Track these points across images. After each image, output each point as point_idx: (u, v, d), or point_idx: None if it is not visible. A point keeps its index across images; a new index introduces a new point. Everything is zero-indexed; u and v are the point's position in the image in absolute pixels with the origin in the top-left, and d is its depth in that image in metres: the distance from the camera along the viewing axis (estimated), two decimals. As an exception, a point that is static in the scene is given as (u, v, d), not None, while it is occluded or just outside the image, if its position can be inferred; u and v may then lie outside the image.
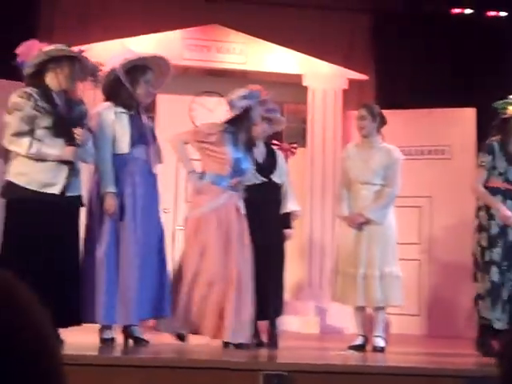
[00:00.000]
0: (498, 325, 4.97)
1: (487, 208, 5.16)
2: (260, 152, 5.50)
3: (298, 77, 8.21)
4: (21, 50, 4.50)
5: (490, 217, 5.13)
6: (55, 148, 4.36)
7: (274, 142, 5.89)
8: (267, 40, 8.15)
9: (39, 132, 4.36)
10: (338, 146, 8.11)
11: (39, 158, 4.34)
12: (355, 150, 5.50)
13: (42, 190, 4.34)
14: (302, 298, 7.65)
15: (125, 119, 4.76)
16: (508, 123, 5.20)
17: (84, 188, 4.74)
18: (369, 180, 5.37)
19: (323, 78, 8.22)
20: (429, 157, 7.94)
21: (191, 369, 3.68)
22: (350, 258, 5.29)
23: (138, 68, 4.84)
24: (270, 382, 3.60)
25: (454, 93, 7.71)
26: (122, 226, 4.65)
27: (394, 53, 8.26)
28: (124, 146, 4.73)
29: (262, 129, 5.45)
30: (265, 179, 5.44)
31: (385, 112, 5.60)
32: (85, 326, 4.61)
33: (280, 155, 5.72)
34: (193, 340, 4.87)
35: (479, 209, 5.23)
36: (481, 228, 5.16)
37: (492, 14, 8.23)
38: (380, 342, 5.23)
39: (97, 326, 4.71)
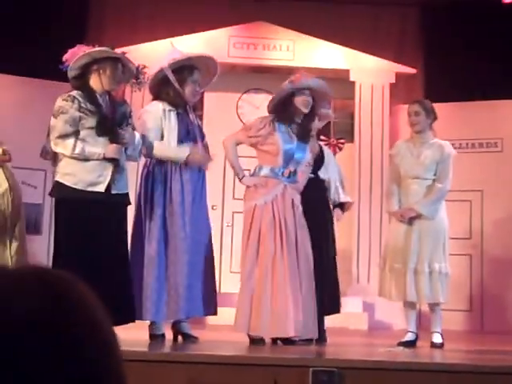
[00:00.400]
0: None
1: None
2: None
3: (345, 72, 8.16)
4: (67, 56, 4.58)
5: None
6: (98, 146, 4.43)
7: (322, 137, 5.87)
8: (314, 36, 8.12)
9: (83, 133, 4.44)
10: (386, 140, 8.04)
11: (84, 158, 4.42)
12: (405, 145, 5.45)
13: (88, 189, 4.41)
14: (349, 293, 7.61)
15: (172, 117, 4.80)
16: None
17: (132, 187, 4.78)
18: (420, 175, 5.32)
19: (370, 72, 8.16)
20: (479, 150, 7.82)
21: (240, 365, 3.67)
22: (400, 253, 5.24)
23: (185, 68, 4.87)
24: (319, 379, 3.58)
25: (506, 85, 7.56)
26: (171, 223, 4.67)
27: (444, 45, 8.15)
28: (172, 143, 4.76)
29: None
30: (312, 175, 5.42)
31: (434, 105, 5.53)
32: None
33: (327, 150, 5.71)
34: (237, 336, 4.85)
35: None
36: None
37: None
38: (438, 338, 5.17)
39: (147, 322, 4.74)
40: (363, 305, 7.57)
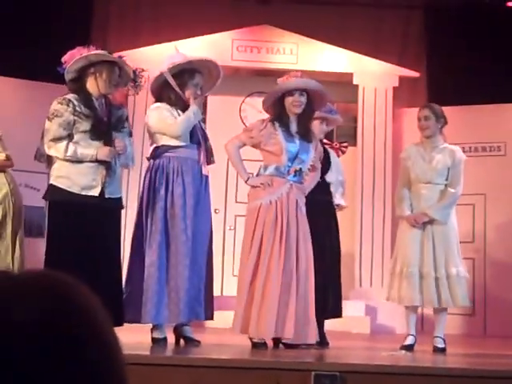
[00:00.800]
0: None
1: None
2: None
3: (349, 75, 8.17)
4: (66, 58, 4.59)
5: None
6: (90, 148, 4.44)
7: (325, 141, 5.87)
8: (317, 39, 8.13)
9: (77, 136, 4.47)
10: (389, 144, 8.05)
11: (77, 160, 4.44)
12: (416, 150, 5.44)
13: (82, 193, 4.44)
14: (352, 297, 7.60)
15: (177, 116, 4.81)
16: None
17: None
18: (432, 180, 5.31)
19: (374, 76, 8.16)
20: (483, 154, 7.82)
21: (242, 369, 3.67)
22: (413, 258, 5.23)
23: (186, 71, 4.86)
24: (321, 382, 3.57)
25: (510, 88, 7.56)
26: (173, 226, 4.67)
27: (447, 49, 8.15)
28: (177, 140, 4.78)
29: (319, 129, 5.46)
30: (319, 179, 5.44)
31: (438, 109, 5.52)
32: (136, 325, 4.65)
33: (333, 154, 5.72)
34: (240, 340, 4.84)
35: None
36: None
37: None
38: (441, 343, 5.17)
39: (148, 326, 4.74)
40: (365, 308, 7.56)
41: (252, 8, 8.31)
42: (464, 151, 7.17)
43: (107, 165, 4.49)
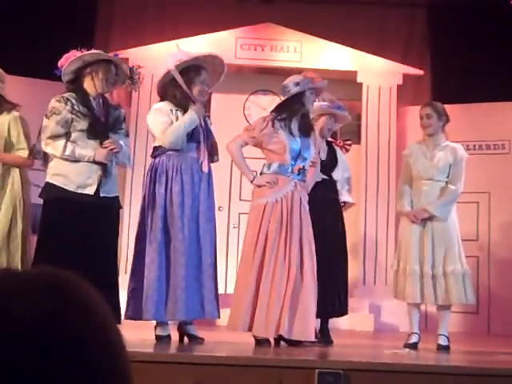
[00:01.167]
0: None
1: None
2: (323, 149, 5.52)
3: (353, 73, 8.16)
4: (62, 62, 4.61)
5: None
6: (88, 149, 4.46)
7: (329, 139, 5.87)
8: (321, 37, 8.12)
9: (74, 135, 4.50)
10: (393, 142, 8.04)
11: (74, 160, 4.47)
12: (418, 147, 5.45)
13: (78, 191, 4.46)
14: (355, 295, 7.60)
15: (179, 116, 4.79)
16: None
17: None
18: (433, 177, 5.33)
19: (378, 74, 8.16)
20: (487, 152, 7.81)
21: (245, 366, 3.67)
22: (413, 254, 5.24)
23: (192, 68, 4.84)
24: (324, 380, 3.57)
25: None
26: (172, 224, 4.67)
27: (451, 47, 8.14)
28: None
29: (327, 125, 5.49)
30: (326, 177, 5.45)
31: (441, 107, 5.52)
32: (140, 322, 4.66)
33: (339, 151, 5.73)
34: (243, 337, 4.85)
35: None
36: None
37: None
38: (445, 341, 5.17)
39: (152, 323, 4.75)
40: (369, 306, 7.56)
41: (256, 6, 8.31)
42: (468, 149, 7.18)
43: (104, 166, 4.51)
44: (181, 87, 4.79)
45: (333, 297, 5.24)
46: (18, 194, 5.43)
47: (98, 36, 8.26)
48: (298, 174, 4.88)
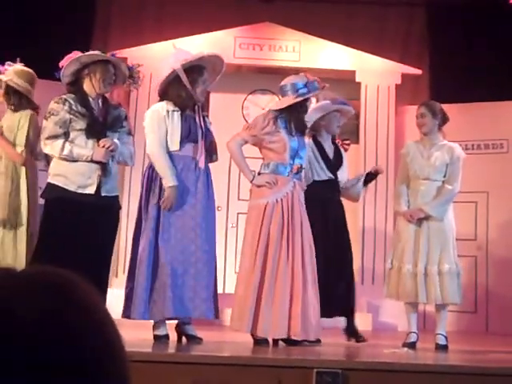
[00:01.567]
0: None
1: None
2: (329, 147, 5.53)
3: (351, 73, 8.16)
4: (63, 62, 4.62)
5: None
6: (86, 149, 4.48)
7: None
8: (320, 37, 8.12)
9: (73, 135, 4.53)
10: (391, 141, 8.05)
11: (72, 160, 4.49)
12: (415, 146, 5.46)
13: (78, 191, 4.49)
14: (355, 294, 7.60)
15: (176, 117, 4.76)
16: None
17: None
18: (430, 176, 5.33)
19: (376, 73, 8.16)
20: (485, 151, 7.81)
21: (244, 366, 3.68)
22: (408, 253, 5.24)
23: (195, 68, 4.83)
24: (323, 380, 3.58)
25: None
26: (164, 224, 4.66)
27: (450, 46, 8.14)
28: (174, 143, 4.74)
29: (336, 123, 5.52)
30: (332, 176, 5.46)
31: (439, 106, 5.52)
32: (139, 322, 4.66)
33: (343, 151, 5.75)
34: (241, 337, 4.85)
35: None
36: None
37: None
38: (443, 340, 5.18)
39: (150, 323, 4.75)
40: (368, 306, 7.56)
41: (255, 6, 8.31)
42: (466, 149, 7.18)
43: (103, 165, 4.52)
44: (185, 87, 4.77)
45: (340, 297, 5.26)
46: (25, 195, 5.43)
47: (97, 35, 8.25)
48: (297, 173, 4.88)
